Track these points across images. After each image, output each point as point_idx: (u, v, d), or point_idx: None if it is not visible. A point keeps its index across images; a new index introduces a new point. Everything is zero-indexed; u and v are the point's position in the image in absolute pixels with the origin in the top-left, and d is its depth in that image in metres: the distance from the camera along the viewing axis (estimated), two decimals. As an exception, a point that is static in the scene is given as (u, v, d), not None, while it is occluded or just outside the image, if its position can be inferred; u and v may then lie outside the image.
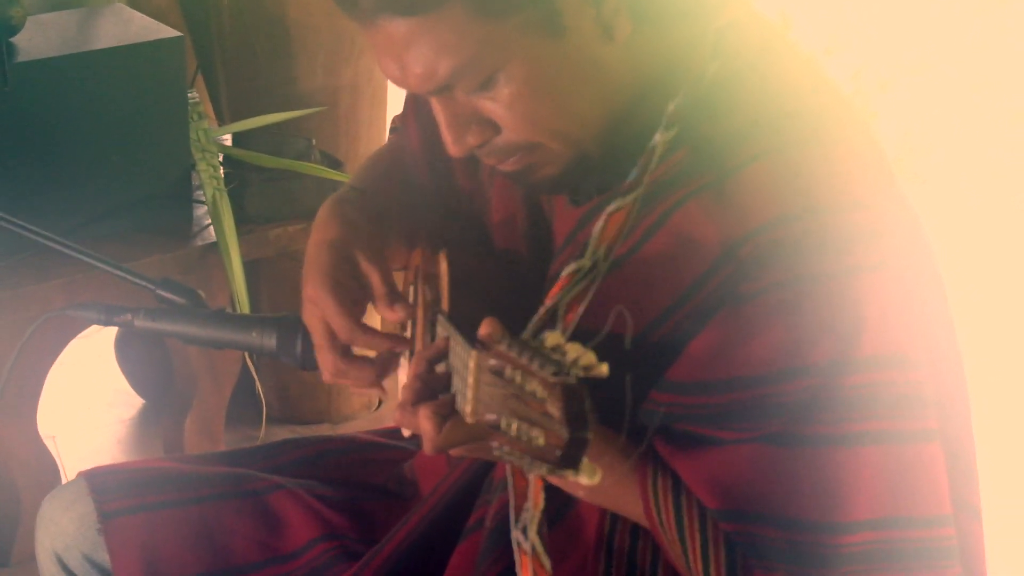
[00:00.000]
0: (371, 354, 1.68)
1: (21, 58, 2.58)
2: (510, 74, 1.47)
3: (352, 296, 1.64)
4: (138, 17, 2.83)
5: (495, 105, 1.49)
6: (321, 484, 1.94)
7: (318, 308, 1.64)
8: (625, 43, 1.49)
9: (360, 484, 1.96)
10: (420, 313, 1.68)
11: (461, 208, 1.85)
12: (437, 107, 1.52)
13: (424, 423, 1.43)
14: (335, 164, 3.00)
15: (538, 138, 1.51)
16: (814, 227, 1.44)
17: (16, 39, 2.61)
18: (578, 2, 1.46)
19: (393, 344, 1.65)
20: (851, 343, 1.44)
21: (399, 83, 1.50)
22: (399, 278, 1.82)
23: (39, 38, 2.66)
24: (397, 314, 1.62)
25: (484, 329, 1.37)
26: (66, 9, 2.89)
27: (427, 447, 1.45)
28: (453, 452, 1.46)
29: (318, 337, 1.66)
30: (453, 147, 1.54)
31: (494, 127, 1.52)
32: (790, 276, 1.43)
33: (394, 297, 1.63)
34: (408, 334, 1.72)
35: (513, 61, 1.46)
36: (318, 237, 1.69)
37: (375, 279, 1.65)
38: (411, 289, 1.79)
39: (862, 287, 1.44)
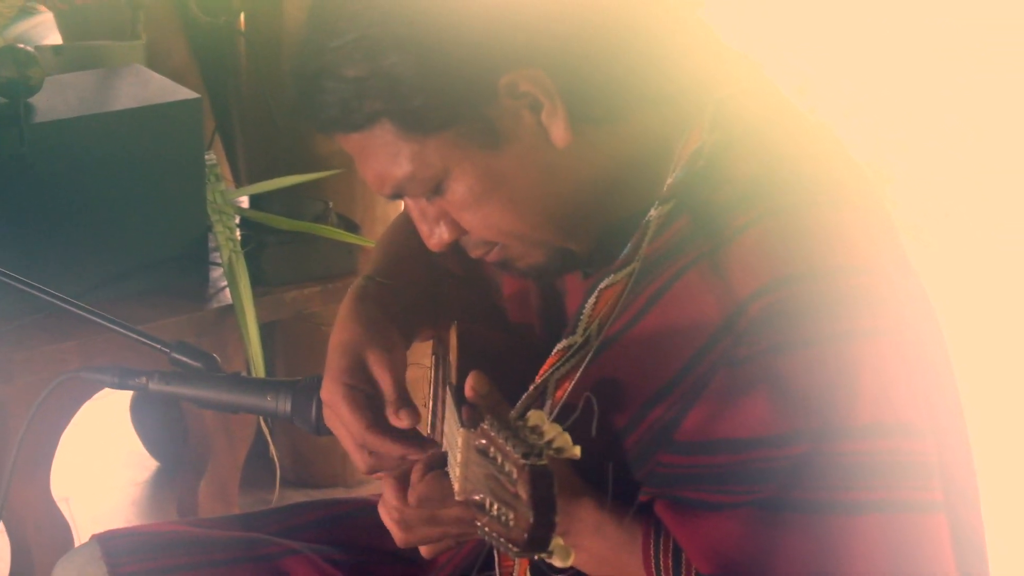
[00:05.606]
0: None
1: (39, 119, 2.58)
2: (453, 183, 1.49)
3: (366, 398, 1.62)
4: (156, 78, 2.84)
5: (452, 207, 1.52)
6: (335, 548, 1.93)
7: (334, 413, 1.63)
8: (585, 142, 1.50)
9: (373, 548, 1.95)
10: (441, 388, 1.68)
11: (478, 280, 1.85)
12: (408, 205, 1.56)
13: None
14: (352, 227, 3.00)
15: (498, 239, 1.53)
16: (807, 291, 1.42)
17: (34, 99, 2.62)
18: (514, 112, 1.47)
19: (405, 450, 1.59)
20: (844, 409, 1.42)
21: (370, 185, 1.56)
22: (425, 349, 1.81)
23: (57, 99, 2.67)
24: (402, 423, 1.60)
25: (470, 382, 1.37)
26: (84, 69, 2.89)
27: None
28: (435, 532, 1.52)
29: (343, 441, 1.64)
30: (428, 242, 1.57)
31: (460, 225, 1.54)
32: (781, 341, 1.42)
33: (402, 404, 1.61)
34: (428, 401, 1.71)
35: (453, 171, 1.49)
36: (336, 338, 1.67)
37: (385, 384, 1.62)
38: (433, 359, 1.78)
39: (856, 353, 1.43)
